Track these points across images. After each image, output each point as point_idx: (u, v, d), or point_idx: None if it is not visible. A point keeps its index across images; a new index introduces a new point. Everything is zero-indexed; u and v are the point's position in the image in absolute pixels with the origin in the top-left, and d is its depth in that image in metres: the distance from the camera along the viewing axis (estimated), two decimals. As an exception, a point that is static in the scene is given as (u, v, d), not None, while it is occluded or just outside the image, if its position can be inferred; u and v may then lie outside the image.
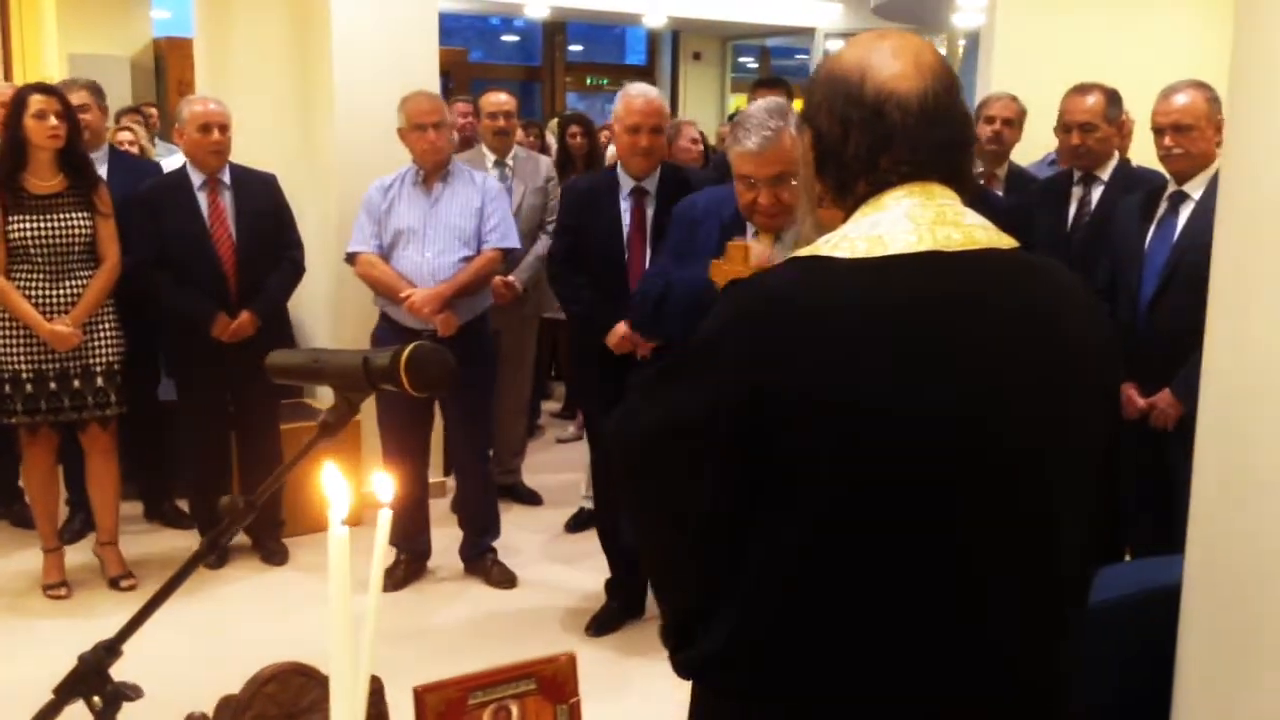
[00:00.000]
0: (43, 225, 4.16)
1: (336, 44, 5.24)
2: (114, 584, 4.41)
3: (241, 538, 4.86)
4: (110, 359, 4.31)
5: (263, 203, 4.63)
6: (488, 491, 4.65)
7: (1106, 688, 2.15)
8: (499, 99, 5.51)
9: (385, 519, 1.12)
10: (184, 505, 5.20)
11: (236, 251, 4.54)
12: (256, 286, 4.55)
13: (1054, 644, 1.43)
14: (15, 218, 4.15)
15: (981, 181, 5.02)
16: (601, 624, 4.13)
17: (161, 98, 11.36)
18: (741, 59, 16.80)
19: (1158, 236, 3.70)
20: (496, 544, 4.64)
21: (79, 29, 10.77)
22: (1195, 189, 3.63)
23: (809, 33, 14.97)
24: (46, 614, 4.25)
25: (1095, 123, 4.16)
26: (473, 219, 4.40)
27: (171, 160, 7.07)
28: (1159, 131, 3.67)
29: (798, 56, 16.47)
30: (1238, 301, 2.04)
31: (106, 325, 4.32)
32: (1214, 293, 2.12)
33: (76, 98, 4.97)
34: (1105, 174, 4.24)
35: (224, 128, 4.55)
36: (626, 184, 4.04)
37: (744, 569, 1.35)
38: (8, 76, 10.61)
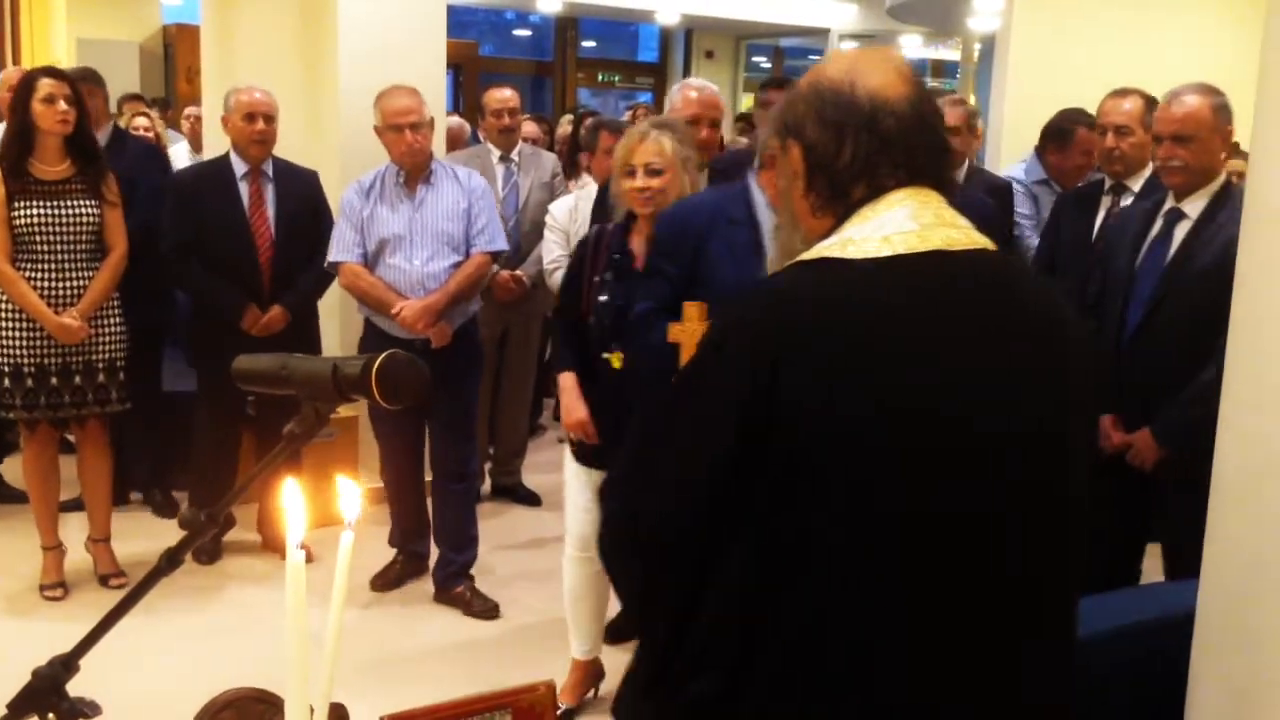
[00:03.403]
0: (50, 212, 4.03)
1: (344, 34, 5.17)
2: (104, 582, 4.31)
3: (244, 534, 4.77)
4: (114, 354, 4.19)
5: (303, 199, 4.54)
6: (467, 506, 4.37)
7: (1118, 714, 2.08)
8: (503, 95, 5.43)
9: (348, 541, 1.04)
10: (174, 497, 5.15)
11: (273, 245, 4.45)
12: (289, 282, 4.46)
13: (1063, 655, 1.48)
14: (21, 204, 4.00)
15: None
16: (621, 630, 3.75)
17: (170, 85, 11.31)
18: (755, 58, 16.70)
19: (1149, 257, 3.38)
20: (487, 553, 4.48)
21: (88, 14, 10.70)
22: (1193, 207, 3.31)
23: (823, 33, 14.85)
24: (38, 614, 4.13)
25: (1131, 126, 4.00)
26: (460, 222, 4.16)
27: (176, 149, 7.04)
28: (1158, 140, 3.36)
29: (811, 57, 16.36)
30: (1261, 328, 1.94)
31: (111, 319, 4.20)
32: (1235, 320, 2.02)
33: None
34: (1137, 184, 4.06)
35: (269, 118, 4.45)
36: None
37: (743, 588, 1.34)
38: (16, 61, 10.57)
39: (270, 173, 4.51)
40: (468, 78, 13.17)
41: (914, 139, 1.43)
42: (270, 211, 4.46)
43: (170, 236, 4.45)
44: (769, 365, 1.30)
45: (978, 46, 12.52)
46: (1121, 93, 4.12)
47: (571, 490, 3.51)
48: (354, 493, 1.05)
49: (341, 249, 4.16)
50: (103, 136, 4.97)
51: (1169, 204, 3.38)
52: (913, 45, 16.52)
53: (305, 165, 5.13)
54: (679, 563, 1.38)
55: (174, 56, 11.32)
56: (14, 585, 4.32)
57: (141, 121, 6.51)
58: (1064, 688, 1.50)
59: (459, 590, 4.27)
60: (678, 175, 3.24)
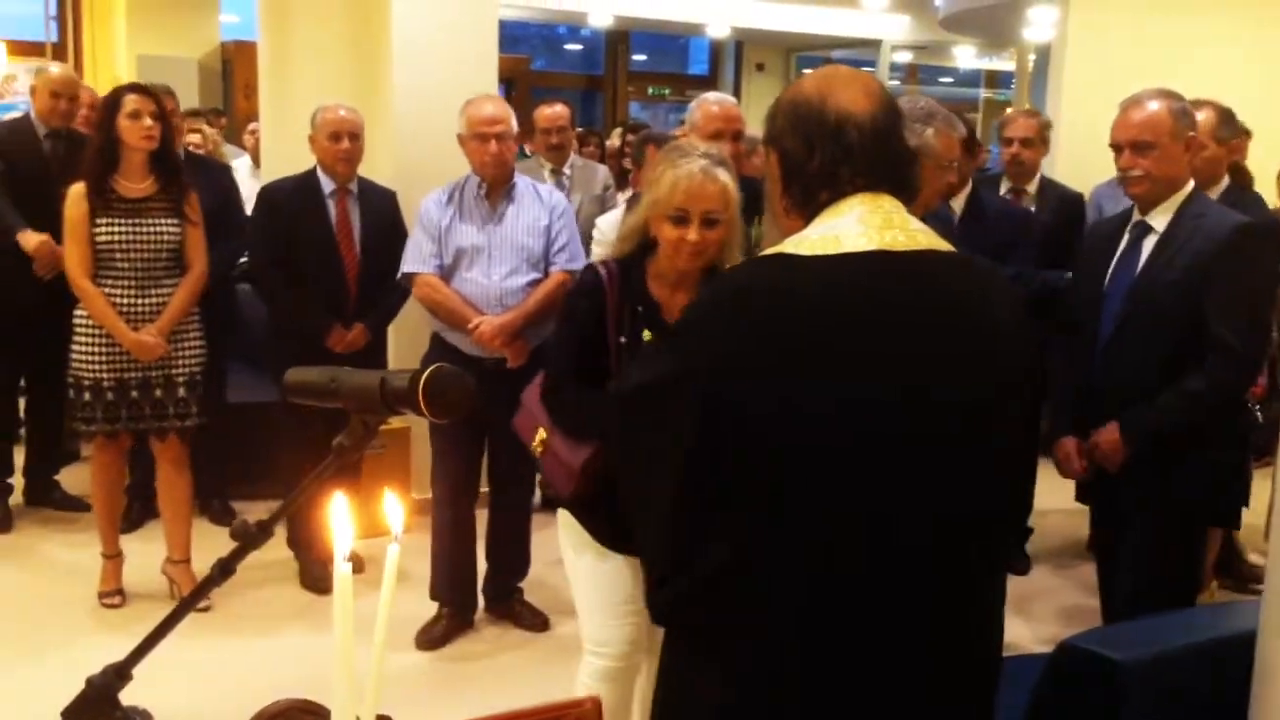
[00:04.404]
0: (131, 230, 4.02)
1: (396, 49, 5.22)
2: None
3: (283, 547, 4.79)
4: (193, 369, 4.18)
5: (384, 217, 4.51)
6: (524, 530, 4.30)
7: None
8: (553, 112, 5.44)
9: (394, 553, 1.04)
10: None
11: (359, 263, 4.42)
12: (372, 300, 4.43)
13: (977, 635, 1.61)
14: (103, 221, 4.00)
15: (1007, 197, 4.89)
16: None
17: (228, 101, 11.49)
18: (806, 71, 16.65)
19: (1118, 273, 3.22)
20: (537, 566, 4.36)
21: (148, 31, 10.91)
22: (1159, 219, 3.15)
23: (875, 45, 14.80)
24: (98, 622, 4.13)
25: (1202, 140, 3.78)
26: (540, 239, 4.04)
27: (237, 164, 7.13)
28: (1116, 148, 3.19)
29: (863, 69, 16.26)
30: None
31: (191, 334, 4.19)
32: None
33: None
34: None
35: (355, 136, 4.40)
36: None
37: (713, 522, 1.51)
38: (79, 77, 10.79)
39: (356, 190, 4.48)
40: (520, 92, 13.26)
41: (874, 150, 1.59)
42: (356, 229, 4.43)
43: (259, 251, 4.45)
44: (721, 348, 1.49)
45: (1032, 57, 12.41)
46: (1193, 104, 3.99)
47: (584, 582, 2.82)
48: (398, 508, 1.05)
49: (417, 260, 4.05)
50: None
51: (1135, 217, 3.24)
52: (967, 56, 16.42)
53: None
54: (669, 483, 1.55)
55: (232, 73, 11.49)
56: (75, 593, 4.35)
57: (194, 138, 6.48)
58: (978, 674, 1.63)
59: (508, 604, 4.25)
60: (735, 225, 2.65)
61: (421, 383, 1.18)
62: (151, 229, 4.07)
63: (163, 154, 4.10)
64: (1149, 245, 3.16)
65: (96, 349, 4.06)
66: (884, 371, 1.50)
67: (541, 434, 2.73)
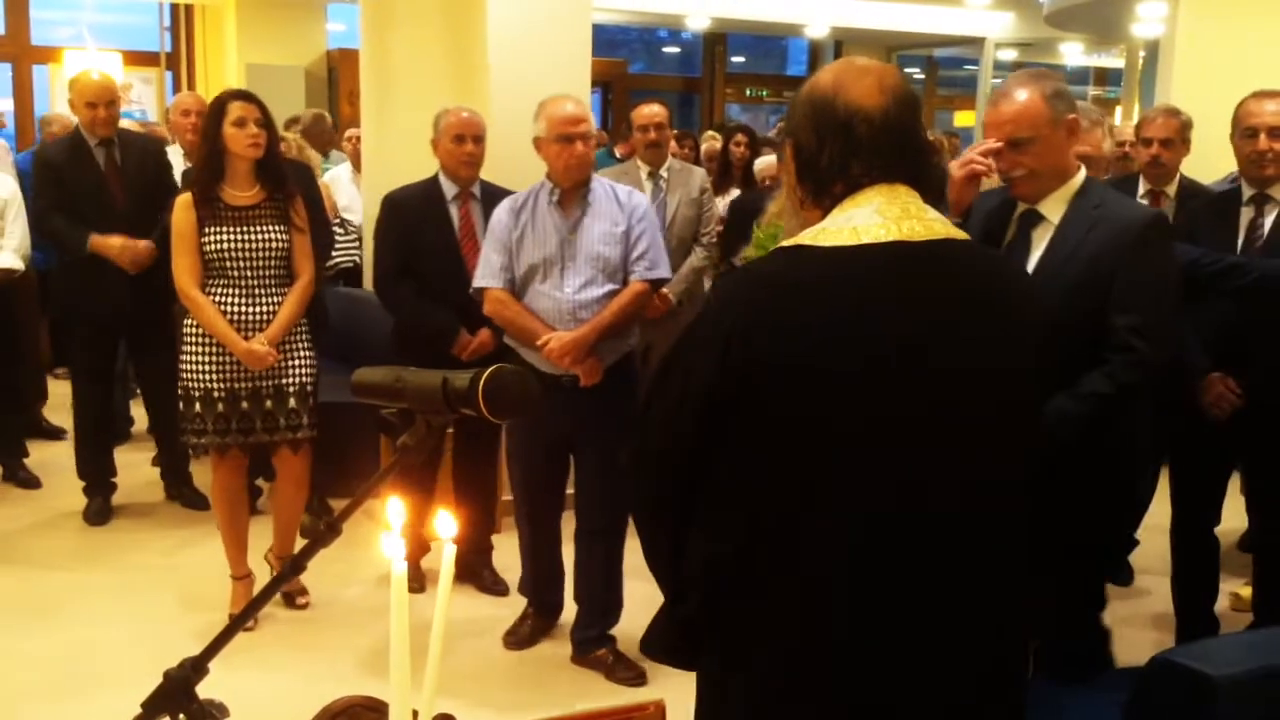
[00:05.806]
0: (239, 238, 4.02)
1: (492, 54, 5.27)
2: (289, 601, 4.31)
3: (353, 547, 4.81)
4: (303, 379, 4.16)
5: None
6: (613, 565, 3.94)
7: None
8: (651, 110, 5.43)
9: (450, 554, 1.05)
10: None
11: None
12: None
13: (1000, 616, 1.62)
14: (211, 230, 4.00)
15: (1144, 200, 4.68)
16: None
17: (333, 107, 11.75)
18: (907, 70, 16.42)
19: None
20: (635, 583, 4.05)
21: (257, 40, 11.22)
22: (1052, 210, 2.76)
23: (978, 43, 14.53)
24: (184, 625, 4.15)
25: None
26: (618, 246, 3.78)
27: (338, 170, 7.28)
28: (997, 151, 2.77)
29: (966, 67, 16.01)
30: None
31: (301, 344, 4.18)
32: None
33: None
34: None
35: (478, 139, 4.37)
36: None
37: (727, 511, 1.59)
38: (191, 85, 11.15)
39: (478, 194, 4.43)
40: (617, 95, 13.33)
41: (885, 144, 1.62)
42: (480, 233, 4.31)
43: (385, 261, 4.39)
44: (741, 334, 1.54)
45: (1142, 54, 12.07)
46: (1272, 93, 3.76)
47: None
48: (448, 516, 1.06)
49: (487, 274, 3.86)
50: None
51: (1021, 207, 2.83)
52: (1074, 54, 16.02)
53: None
54: (678, 473, 1.65)
55: (337, 80, 11.75)
56: (160, 594, 4.41)
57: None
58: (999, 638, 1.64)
59: (600, 654, 3.94)
60: None
61: (481, 383, 1.19)
62: (260, 237, 4.06)
63: (268, 161, 4.09)
64: (1044, 239, 2.77)
65: (207, 359, 4.05)
66: (903, 359, 1.53)
67: None
